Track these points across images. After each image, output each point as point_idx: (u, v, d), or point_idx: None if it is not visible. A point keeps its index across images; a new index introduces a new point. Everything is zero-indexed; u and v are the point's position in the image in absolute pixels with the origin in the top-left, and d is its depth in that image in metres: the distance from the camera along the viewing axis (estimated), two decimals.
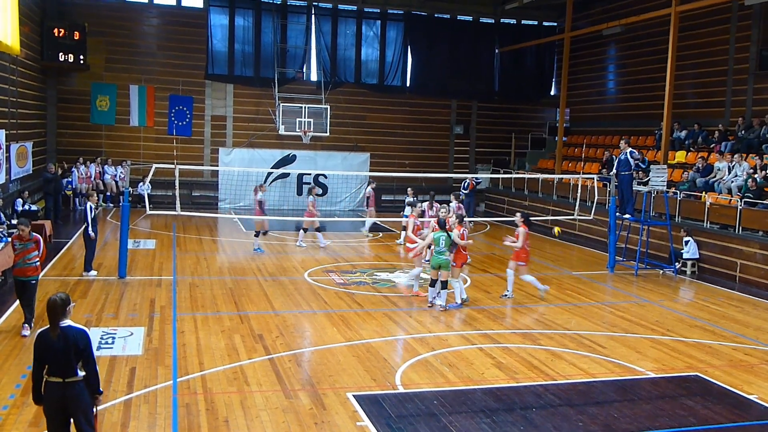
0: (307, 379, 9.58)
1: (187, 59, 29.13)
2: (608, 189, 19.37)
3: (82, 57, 26.49)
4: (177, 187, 16.36)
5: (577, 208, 19.52)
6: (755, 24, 22.60)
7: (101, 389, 6.41)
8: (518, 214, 14.95)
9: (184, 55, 29.10)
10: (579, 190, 20.10)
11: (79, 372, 6.14)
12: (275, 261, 18.11)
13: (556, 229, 18.31)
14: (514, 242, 14.49)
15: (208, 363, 9.94)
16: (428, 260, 16.87)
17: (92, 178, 27.01)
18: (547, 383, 9.71)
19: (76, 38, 26.23)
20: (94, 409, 6.38)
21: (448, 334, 11.92)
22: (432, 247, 13.77)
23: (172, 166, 16.84)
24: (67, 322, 6.18)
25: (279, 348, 10.79)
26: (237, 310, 13.04)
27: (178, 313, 12.59)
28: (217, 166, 28.68)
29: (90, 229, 14.99)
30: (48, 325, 6.17)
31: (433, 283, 13.65)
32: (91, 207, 15.06)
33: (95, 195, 15.97)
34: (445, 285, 13.58)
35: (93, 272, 15.36)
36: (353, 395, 8.91)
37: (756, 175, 18.39)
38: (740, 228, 17.86)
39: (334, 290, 14.93)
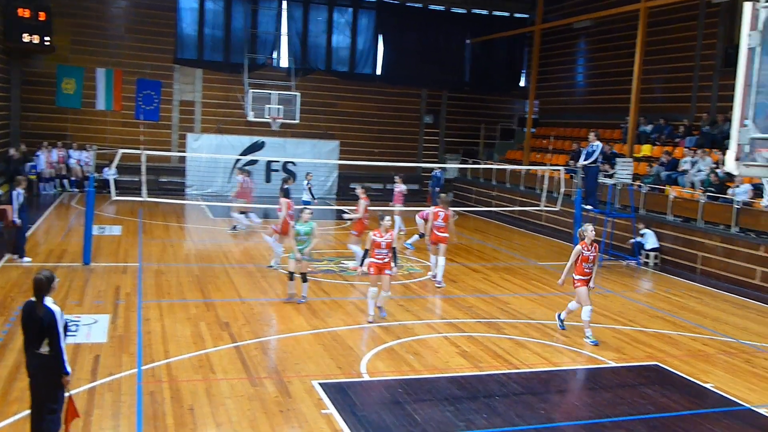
0: (273, 367, 9.61)
1: (156, 43, 28.71)
2: (574, 180, 19.61)
3: (47, 38, 25.92)
4: (143, 172, 16.18)
5: (543, 199, 19.70)
6: (722, 21, 22.98)
7: (68, 370, 6.45)
8: (359, 187, 16.14)
9: (153, 38, 28.68)
10: (546, 182, 20.31)
11: (42, 347, 6.36)
12: (242, 248, 18.05)
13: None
14: (356, 213, 15.57)
15: (173, 351, 9.91)
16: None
17: (56, 163, 26.59)
18: (510, 372, 9.86)
19: (41, 19, 25.61)
20: (65, 393, 6.52)
21: (413, 323, 12.01)
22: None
23: (139, 151, 16.65)
24: (47, 298, 6.44)
25: (245, 336, 10.78)
26: (203, 297, 12.99)
27: (144, 300, 12.51)
28: (185, 151, 28.39)
29: (16, 215, 14.53)
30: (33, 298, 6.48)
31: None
32: (19, 193, 14.59)
33: (24, 181, 15.36)
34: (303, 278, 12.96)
35: (27, 259, 14.86)
36: (318, 383, 8.95)
37: (718, 170, 18.75)
38: (702, 221, 18.23)
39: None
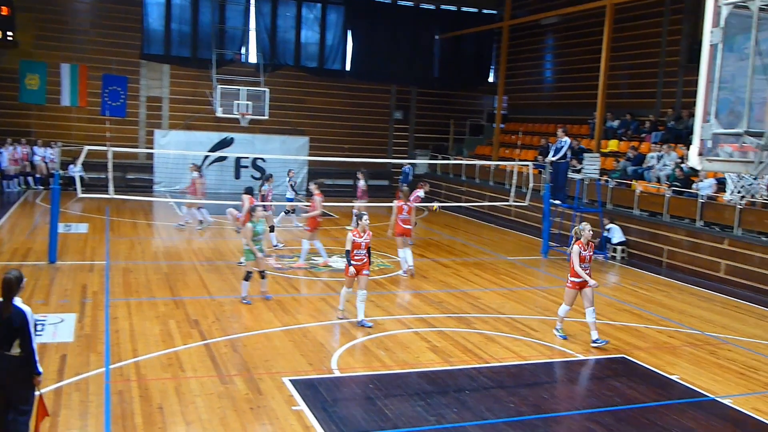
0: (243, 364, 9.56)
1: (122, 38, 28.31)
2: (542, 176, 19.78)
3: (10, 33, 25.46)
4: (110, 169, 15.95)
5: (512, 194, 19.84)
6: (686, 18, 23.31)
7: (40, 370, 6.38)
8: (312, 184, 16.07)
9: (119, 33, 28.27)
10: (515, 177, 20.50)
11: (13, 348, 6.24)
12: (212, 245, 17.92)
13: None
14: (312, 210, 15.54)
15: (142, 349, 9.81)
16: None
17: (20, 160, 26.12)
18: (480, 366, 9.93)
19: (3, 14, 25.16)
20: (36, 392, 6.45)
21: (384, 319, 12.03)
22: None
23: (105, 148, 16.43)
24: (15, 298, 6.33)
25: (215, 333, 10.72)
26: (172, 295, 12.88)
27: (111, 298, 12.36)
28: (153, 148, 28.06)
29: None
30: None
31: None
32: None
33: None
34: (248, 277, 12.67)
35: None
36: (289, 380, 8.94)
37: (683, 165, 19.05)
38: (668, 215, 18.52)
39: (272, 275, 14.83)
